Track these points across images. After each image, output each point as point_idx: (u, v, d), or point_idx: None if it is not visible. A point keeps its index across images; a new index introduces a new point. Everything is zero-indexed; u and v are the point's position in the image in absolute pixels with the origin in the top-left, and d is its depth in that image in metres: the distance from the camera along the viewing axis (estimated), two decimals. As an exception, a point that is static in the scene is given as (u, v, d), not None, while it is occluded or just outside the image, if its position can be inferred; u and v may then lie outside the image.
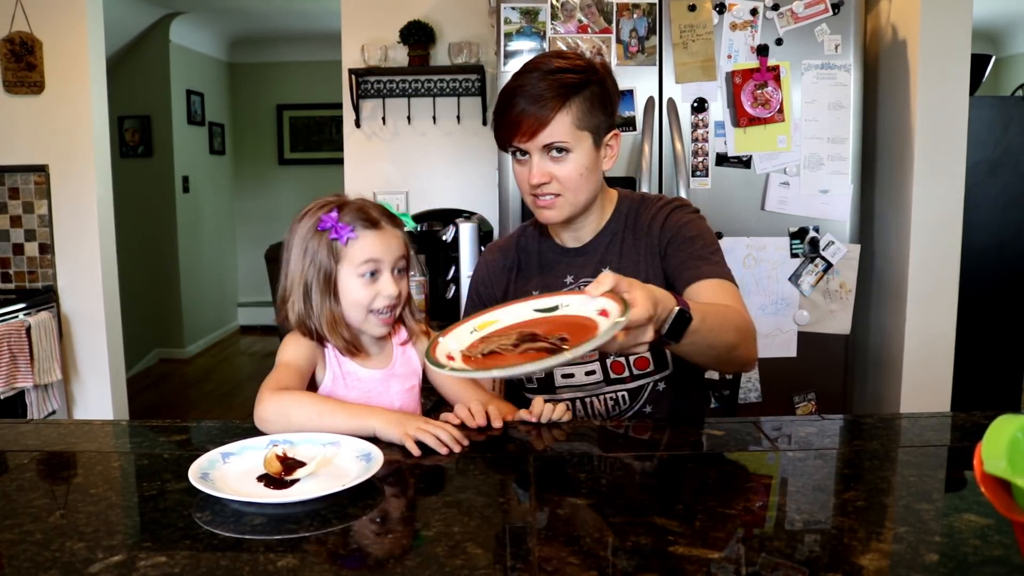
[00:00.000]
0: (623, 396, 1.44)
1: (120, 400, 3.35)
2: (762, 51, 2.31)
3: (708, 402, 1.63)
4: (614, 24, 2.33)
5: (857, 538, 0.82)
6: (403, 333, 1.40)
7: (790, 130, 2.33)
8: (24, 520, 0.89)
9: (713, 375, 1.80)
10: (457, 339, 1.13)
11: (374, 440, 1.11)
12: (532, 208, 1.40)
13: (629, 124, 2.34)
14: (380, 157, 3.33)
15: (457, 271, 2.68)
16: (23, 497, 0.96)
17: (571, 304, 1.12)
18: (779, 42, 2.31)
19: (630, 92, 2.33)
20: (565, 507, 0.93)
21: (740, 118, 2.33)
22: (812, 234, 2.36)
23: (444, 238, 2.71)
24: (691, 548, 0.80)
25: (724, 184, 2.36)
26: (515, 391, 1.54)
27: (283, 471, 0.99)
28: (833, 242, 2.36)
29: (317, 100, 6.38)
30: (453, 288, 2.71)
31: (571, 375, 1.44)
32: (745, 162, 2.35)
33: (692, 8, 2.31)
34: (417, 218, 2.92)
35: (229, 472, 1.01)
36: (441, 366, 1.04)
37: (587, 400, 1.45)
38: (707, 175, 2.37)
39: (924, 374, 2.50)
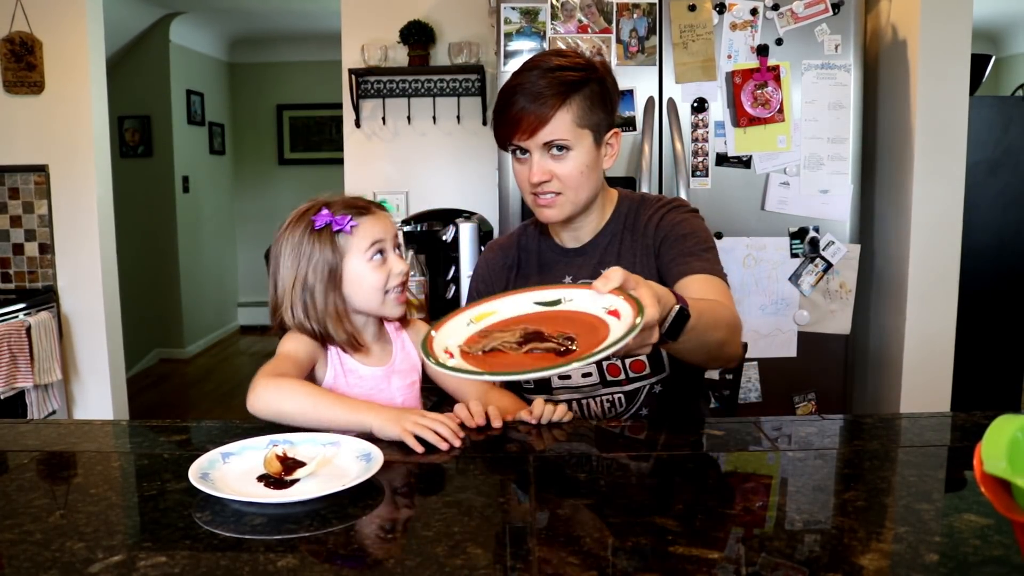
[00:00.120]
0: (619, 398, 1.44)
1: (120, 400, 3.35)
2: (762, 51, 2.31)
3: (708, 402, 1.63)
4: (614, 24, 2.33)
5: (857, 538, 0.82)
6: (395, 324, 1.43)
7: (790, 130, 2.33)
8: (24, 520, 0.89)
9: (713, 375, 1.80)
10: (453, 332, 1.08)
11: (373, 439, 1.11)
12: (532, 207, 1.40)
13: (629, 124, 2.34)
14: (380, 157, 3.33)
15: (457, 271, 2.68)
16: (23, 497, 0.96)
17: (575, 299, 1.08)
18: (779, 42, 2.31)
19: (630, 92, 2.33)
20: (565, 507, 0.93)
21: (740, 118, 2.33)
22: (812, 234, 2.36)
23: (444, 238, 2.71)
24: (691, 548, 0.80)
25: (724, 184, 2.36)
26: (515, 387, 1.53)
27: (283, 471, 0.99)
28: (833, 242, 2.36)
29: (317, 100, 6.38)
30: (453, 288, 2.71)
31: (568, 376, 1.44)
32: (745, 162, 2.35)
33: (692, 8, 2.31)
34: (417, 218, 2.92)
35: (229, 472, 1.01)
36: (441, 364, 1.00)
37: (583, 402, 1.45)
38: (707, 175, 2.37)
39: (924, 374, 2.50)
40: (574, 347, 0.97)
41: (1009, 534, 0.81)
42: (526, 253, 1.52)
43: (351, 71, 3.22)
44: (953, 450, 1.15)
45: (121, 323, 3.39)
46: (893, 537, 0.83)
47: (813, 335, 2.39)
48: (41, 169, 3.16)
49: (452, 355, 1.03)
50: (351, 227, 1.29)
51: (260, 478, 0.99)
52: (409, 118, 3.30)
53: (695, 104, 2.34)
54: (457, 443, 1.12)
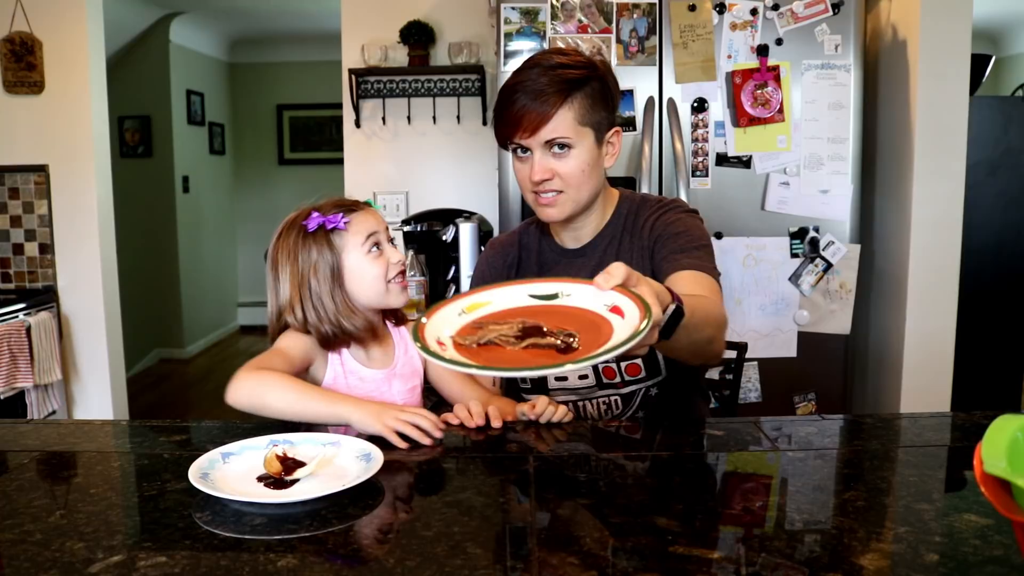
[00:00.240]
0: (615, 401, 1.43)
1: (120, 400, 3.35)
2: (762, 51, 2.31)
3: (708, 402, 1.62)
4: (614, 24, 2.33)
5: (857, 538, 0.82)
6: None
7: (790, 130, 2.33)
8: (24, 520, 0.89)
9: (713, 375, 1.80)
10: (445, 322, 1.03)
11: (372, 439, 1.11)
12: (533, 206, 1.39)
13: (629, 124, 2.34)
14: (380, 157, 3.33)
15: (457, 271, 2.68)
16: (23, 497, 0.96)
17: (573, 294, 1.04)
18: (779, 42, 2.31)
19: (630, 92, 2.33)
20: (565, 507, 0.93)
21: (740, 118, 2.33)
22: (812, 234, 2.36)
23: (444, 238, 2.71)
24: (691, 548, 0.80)
25: (724, 184, 2.36)
26: (512, 386, 1.53)
27: (283, 471, 0.99)
28: (833, 242, 2.36)
29: (317, 100, 6.38)
30: (453, 288, 2.71)
31: (564, 377, 1.43)
32: (745, 162, 2.35)
33: (692, 8, 2.31)
34: (417, 218, 2.92)
35: (229, 472, 1.01)
36: (437, 356, 0.94)
37: (580, 404, 1.44)
38: (707, 175, 2.36)
39: (924, 374, 2.50)
40: (575, 344, 0.93)
41: (1009, 534, 0.81)
42: (527, 252, 1.51)
43: (351, 71, 3.22)
44: (953, 450, 1.15)
45: (121, 323, 3.39)
46: (893, 537, 0.83)
47: (813, 335, 2.39)
48: (41, 169, 3.16)
49: (444, 346, 0.98)
50: (344, 223, 1.30)
51: (260, 478, 0.99)
52: (409, 118, 3.30)
53: (695, 104, 2.34)
54: (439, 435, 1.13)
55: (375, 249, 1.32)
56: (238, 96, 6.59)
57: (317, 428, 1.18)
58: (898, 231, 2.54)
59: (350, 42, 3.26)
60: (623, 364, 1.40)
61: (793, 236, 2.37)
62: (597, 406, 1.44)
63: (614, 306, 0.97)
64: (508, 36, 2.36)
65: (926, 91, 2.41)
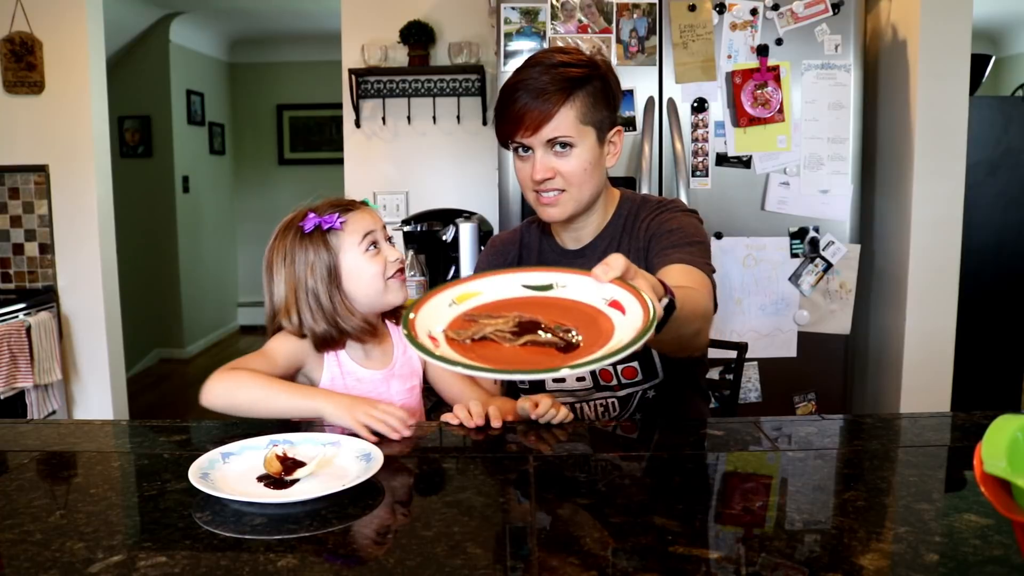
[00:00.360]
0: (612, 403, 1.43)
1: (120, 400, 3.35)
2: (762, 51, 2.31)
3: (708, 402, 1.62)
4: (614, 24, 2.33)
5: (857, 538, 0.82)
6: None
7: (790, 130, 2.33)
8: (24, 520, 0.89)
9: (713, 375, 1.80)
10: (435, 315, 0.96)
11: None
12: (534, 206, 1.39)
13: (629, 124, 2.34)
14: (380, 157, 3.33)
15: (457, 271, 2.68)
16: (23, 497, 0.96)
17: (569, 285, 0.99)
18: (779, 42, 2.31)
19: (630, 92, 2.33)
20: (565, 507, 0.93)
21: (740, 118, 2.33)
22: (812, 234, 2.36)
23: (444, 238, 2.71)
24: (691, 548, 0.80)
25: (724, 184, 2.36)
26: (510, 385, 1.53)
27: (283, 471, 0.99)
28: (833, 242, 2.36)
29: (317, 100, 6.38)
30: (453, 288, 2.70)
31: (561, 379, 1.42)
32: (745, 162, 2.35)
33: (692, 8, 2.31)
34: (417, 218, 2.92)
35: (229, 472, 1.01)
36: (428, 352, 0.88)
37: (577, 406, 1.44)
38: (707, 175, 2.36)
39: (924, 374, 2.50)
40: (576, 340, 0.89)
41: (1009, 534, 0.81)
42: (528, 250, 1.51)
43: (351, 71, 3.22)
44: (953, 450, 1.15)
45: (121, 323, 3.39)
46: (893, 537, 0.83)
47: (813, 335, 2.39)
48: (41, 169, 3.16)
49: (437, 341, 0.92)
50: (340, 223, 1.30)
51: (260, 478, 0.99)
52: (409, 118, 3.30)
53: (695, 104, 2.34)
54: (407, 432, 1.14)
55: (372, 248, 1.32)
56: (238, 96, 6.59)
57: (316, 427, 1.18)
58: (898, 231, 2.54)
59: (350, 42, 3.26)
60: (619, 366, 1.40)
61: (793, 236, 2.37)
62: (594, 408, 1.44)
63: (613, 300, 0.94)
64: (508, 36, 2.36)
65: (926, 91, 2.41)
